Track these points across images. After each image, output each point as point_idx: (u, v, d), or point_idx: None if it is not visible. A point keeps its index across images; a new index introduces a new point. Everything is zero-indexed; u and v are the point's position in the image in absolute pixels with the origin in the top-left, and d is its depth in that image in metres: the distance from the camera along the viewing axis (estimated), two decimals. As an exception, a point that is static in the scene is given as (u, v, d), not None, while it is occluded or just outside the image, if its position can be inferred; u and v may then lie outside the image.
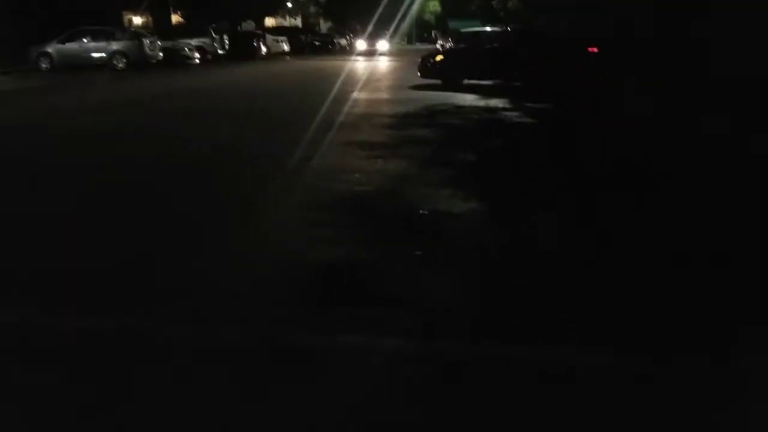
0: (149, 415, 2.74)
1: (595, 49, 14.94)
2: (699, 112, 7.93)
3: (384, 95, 15.07)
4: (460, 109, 12.45)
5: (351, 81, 19.01)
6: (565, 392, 2.95)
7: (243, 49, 32.05)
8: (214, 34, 30.09)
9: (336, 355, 3.26)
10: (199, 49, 27.72)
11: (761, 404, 2.90)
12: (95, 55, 22.78)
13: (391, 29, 41.65)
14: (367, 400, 2.87)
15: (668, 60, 11.87)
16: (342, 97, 14.02)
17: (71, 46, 22.71)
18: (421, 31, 70.65)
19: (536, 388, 2.97)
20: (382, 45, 38.82)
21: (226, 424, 2.68)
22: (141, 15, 37.69)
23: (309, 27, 53.64)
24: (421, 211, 5.53)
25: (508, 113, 11.91)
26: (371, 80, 19.71)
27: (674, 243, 4.81)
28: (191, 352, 3.24)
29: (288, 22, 54.39)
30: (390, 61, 31.43)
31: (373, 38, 39.03)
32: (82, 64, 22.29)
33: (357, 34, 44.20)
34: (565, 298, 3.91)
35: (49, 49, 22.53)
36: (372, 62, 30.08)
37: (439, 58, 17.24)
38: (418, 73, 17.20)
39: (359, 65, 27.49)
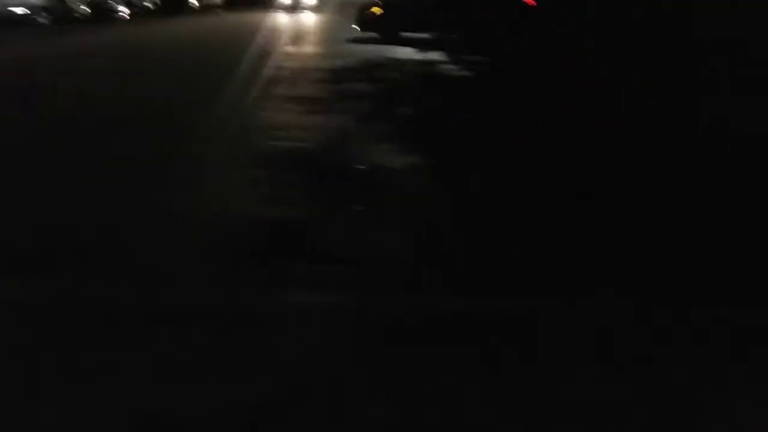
0: (91, 380, 2.63)
1: (532, 2, 14.91)
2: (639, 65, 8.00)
3: (320, 49, 14.82)
4: (398, 62, 12.33)
5: (286, 35, 18.60)
6: (511, 339, 2.98)
7: (174, 4, 30.93)
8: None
9: (278, 311, 3.21)
10: (128, 3, 26.65)
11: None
12: (15, 10, 21.64)
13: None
14: (312, 356, 2.83)
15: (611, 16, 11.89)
16: (276, 51, 13.71)
17: (-14, -1, 21.47)
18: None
19: (479, 338, 2.99)
20: None
21: (169, 386, 2.60)
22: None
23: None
24: (359, 167, 5.47)
25: (445, 66, 11.86)
26: (307, 34, 19.34)
27: (604, 189, 4.89)
28: (133, 315, 3.13)
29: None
30: (322, 15, 28.89)
31: None
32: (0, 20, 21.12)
33: None
34: (506, 249, 3.94)
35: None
36: (302, 17, 27.94)
37: (376, 10, 16.99)
38: (356, 27, 16.94)
39: (291, 19, 26.76)
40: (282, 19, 26.11)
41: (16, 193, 4.74)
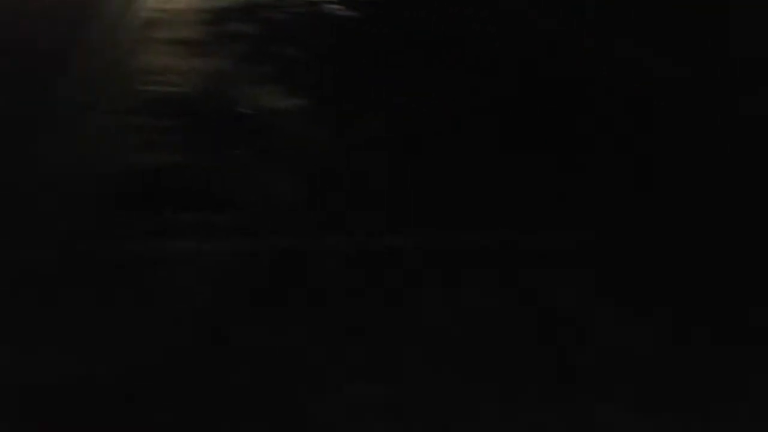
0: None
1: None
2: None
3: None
4: (281, 1, 12.06)
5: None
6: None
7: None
8: None
9: (165, 260, 3.24)
10: None
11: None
12: None
13: None
14: (203, 304, 2.91)
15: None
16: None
17: None
18: None
19: (369, 274, 3.14)
20: None
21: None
22: None
23: None
24: (242, 110, 5.45)
25: (332, 6, 11.72)
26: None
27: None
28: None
29: None
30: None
31: None
32: None
33: None
34: (388, 188, 4.09)
35: None
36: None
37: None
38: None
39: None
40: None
41: None
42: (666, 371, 2.53)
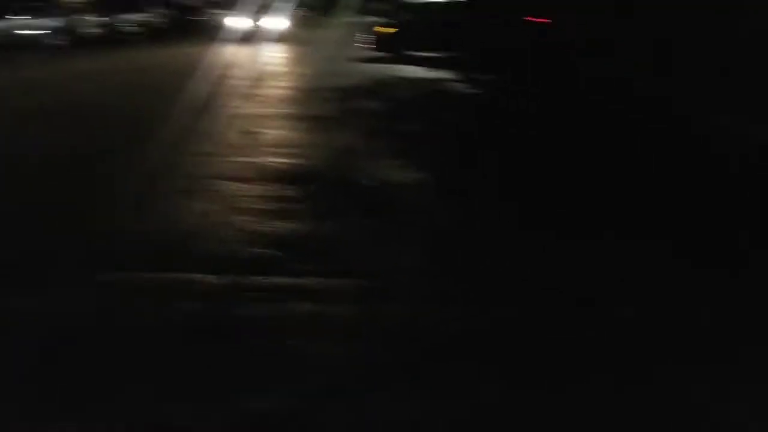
0: None
1: (546, 20, 14.90)
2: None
3: (329, 68, 14.86)
4: (409, 82, 12.37)
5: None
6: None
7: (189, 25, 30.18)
8: (166, 9, 28.40)
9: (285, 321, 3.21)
10: (145, 24, 26.20)
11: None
12: (32, 31, 21.76)
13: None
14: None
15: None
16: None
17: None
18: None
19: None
20: (276, 22, 21.56)
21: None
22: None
23: None
24: (369, 182, 5.50)
25: (455, 84, 11.90)
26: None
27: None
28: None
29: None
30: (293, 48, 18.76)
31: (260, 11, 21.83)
32: (7, 43, 20.80)
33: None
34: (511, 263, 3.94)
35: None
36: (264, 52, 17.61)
37: (384, 30, 17.09)
38: (367, 45, 17.06)
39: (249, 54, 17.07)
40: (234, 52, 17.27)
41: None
42: None
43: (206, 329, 3.16)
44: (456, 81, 12.24)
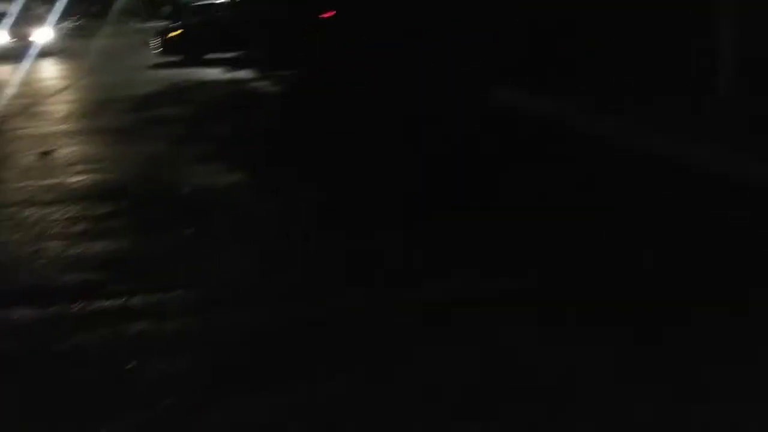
0: None
1: (330, 14, 15.15)
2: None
3: (119, 77, 14.14)
4: (206, 84, 12.12)
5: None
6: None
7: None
8: None
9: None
10: None
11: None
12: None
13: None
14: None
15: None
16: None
17: None
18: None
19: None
20: (41, 35, 19.13)
21: None
22: None
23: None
24: (183, 189, 5.37)
25: (255, 83, 11.84)
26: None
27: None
28: None
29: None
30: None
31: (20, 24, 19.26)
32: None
33: None
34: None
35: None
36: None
37: (177, 32, 16.53)
38: (156, 50, 16.40)
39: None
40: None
41: None
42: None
43: (21, 368, 2.96)
44: (254, 80, 12.17)
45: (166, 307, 3.46)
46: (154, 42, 16.52)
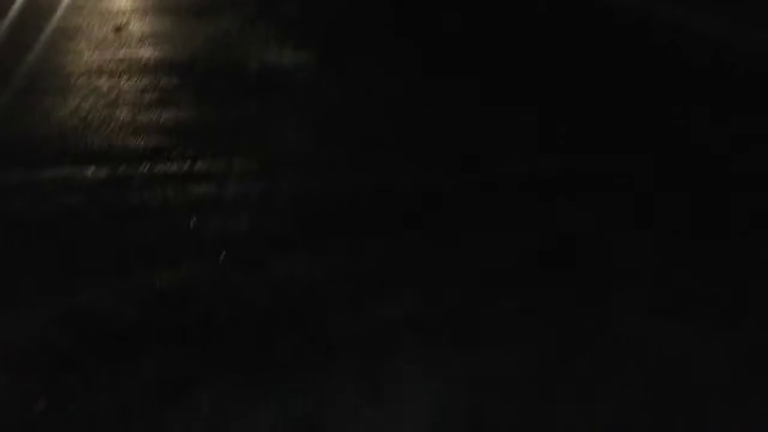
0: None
1: None
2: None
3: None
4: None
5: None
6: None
7: None
8: None
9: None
10: None
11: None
12: None
13: None
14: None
15: None
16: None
17: None
18: None
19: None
20: None
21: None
22: None
23: None
24: (252, 66, 5.39)
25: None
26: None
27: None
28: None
29: None
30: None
31: None
32: None
33: None
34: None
35: None
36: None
37: None
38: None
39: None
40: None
41: None
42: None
43: (95, 219, 3.12)
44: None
45: (228, 172, 3.56)
46: None
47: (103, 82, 5.07)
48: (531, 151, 3.77)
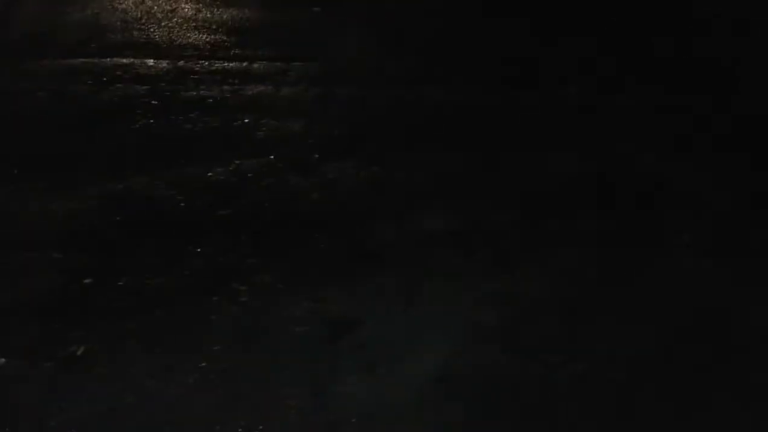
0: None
1: None
2: None
3: None
4: None
5: None
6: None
7: None
8: None
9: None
10: None
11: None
12: None
13: None
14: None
15: None
16: None
17: None
18: None
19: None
20: None
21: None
22: None
23: None
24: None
25: None
26: None
27: None
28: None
29: None
30: None
31: None
32: None
33: None
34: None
35: None
36: None
37: None
38: None
39: None
40: None
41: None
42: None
43: (153, 109, 3.15)
44: None
45: (285, 75, 3.53)
46: None
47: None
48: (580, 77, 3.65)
